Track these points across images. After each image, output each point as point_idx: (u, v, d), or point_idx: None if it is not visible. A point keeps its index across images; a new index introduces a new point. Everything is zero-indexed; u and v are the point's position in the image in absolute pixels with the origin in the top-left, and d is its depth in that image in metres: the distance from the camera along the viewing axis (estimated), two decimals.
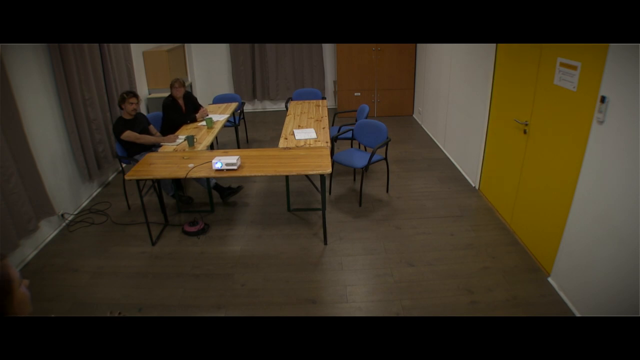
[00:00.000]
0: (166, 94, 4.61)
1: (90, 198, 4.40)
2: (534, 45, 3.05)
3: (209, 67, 7.37)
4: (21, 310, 1.20)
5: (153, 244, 3.56)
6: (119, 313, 1.60)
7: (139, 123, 4.10)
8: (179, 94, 4.53)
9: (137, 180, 3.33)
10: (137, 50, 5.54)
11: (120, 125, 3.94)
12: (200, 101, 5.34)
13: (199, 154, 3.59)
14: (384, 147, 4.17)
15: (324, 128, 4.27)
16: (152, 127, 4.30)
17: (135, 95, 4.00)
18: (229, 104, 5.52)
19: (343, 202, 4.16)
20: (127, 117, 3.99)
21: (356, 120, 4.63)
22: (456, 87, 4.87)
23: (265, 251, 3.42)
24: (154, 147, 4.10)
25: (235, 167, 3.19)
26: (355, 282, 3.03)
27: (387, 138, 4.08)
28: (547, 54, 2.88)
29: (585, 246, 2.52)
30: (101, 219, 4.01)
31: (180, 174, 3.20)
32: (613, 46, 2.21)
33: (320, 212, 3.96)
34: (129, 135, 3.92)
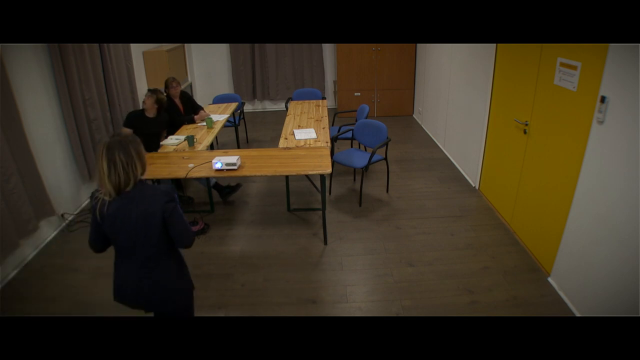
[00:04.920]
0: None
1: None
2: (534, 45, 3.05)
3: (209, 67, 7.37)
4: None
5: None
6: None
7: (156, 125, 4.04)
8: (176, 92, 4.51)
9: None
10: (137, 50, 5.53)
11: (132, 117, 3.93)
12: (200, 101, 5.34)
13: (199, 154, 3.59)
14: (384, 147, 4.17)
15: (324, 128, 4.27)
16: (164, 132, 4.25)
17: (152, 93, 3.91)
18: (229, 104, 5.52)
19: (343, 202, 4.16)
20: (147, 113, 3.97)
21: (356, 120, 4.63)
22: (456, 87, 4.87)
23: (265, 251, 3.42)
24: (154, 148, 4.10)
25: (235, 167, 3.19)
26: (355, 282, 3.03)
27: (387, 138, 4.08)
28: (547, 54, 2.88)
29: (585, 246, 2.52)
30: None
31: (180, 174, 3.20)
32: (613, 46, 2.21)
33: (320, 212, 3.96)
34: (124, 132, 3.90)
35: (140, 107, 4.04)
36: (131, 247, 1.83)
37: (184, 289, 1.98)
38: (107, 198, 1.72)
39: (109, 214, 1.74)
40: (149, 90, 3.96)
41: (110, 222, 1.76)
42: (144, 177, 1.80)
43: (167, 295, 1.90)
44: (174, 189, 1.83)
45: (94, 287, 3.06)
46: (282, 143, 3.87)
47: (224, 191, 4.18)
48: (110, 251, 3.77)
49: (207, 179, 3.96)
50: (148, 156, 3.61)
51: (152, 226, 1.76)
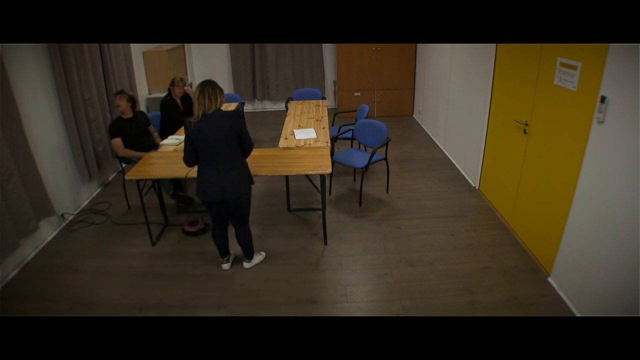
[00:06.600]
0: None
1: (90, 198, 4.40)
2: (534, 45, 3.05)
3: (209, 67, 7.37)
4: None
5: (153, 244, 3.56)
6: None
7: (138, 123, 4.06)
8: (180, 92, 4.52)
9: (137, 180, 3.33)
10: (137, 50, 5.54)
11: (115, 125, 3.91)
12: None
13: None
14: (384, 147, 4.17)
15: (324, 128, 4.27)
16: (151, 128, 4.28)
17: (122, 93, 3.90)
18: (229, 104, 5.51)
19: (343, 202, 4.16)
20: (124, 116, 3.97)
21: (356, 120, 4.63)
22: (456, 87, 4.87)
23: (265, 251, 3.42)
24: (153, 147, 4.09)
25: None
26: (355, 282, 3.03)
27: (387, 138, 4.08)
28: (547, 54, 2.88)
29: (585, 246, 2.52)
30: (101, 219, 4.01)
31: (180, 173, 3.20)
32: (613, 46, 2.21)
33: (320, 212, 3.96)
34: (116, 143, 3.90)
35: (132, 110, 4.01)
36: (214, 156, 2.58)
37: (249, 183, 2.80)
38: (195, 121, 2.49)
39: (198, 133, 2.50)
40: (116, 93, 3.94)
41: (199, 139, 2.52)
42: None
43: (239, 186, 2.71)
44: (240, 111, 2.56)
45: (94, 287, 3.06)
46: (282, 143, 3.87)
47: None
48: (111, 251, 3.80)
49: None
50: (147, 156, 3.63)
51: (229, 138, 2.56)
